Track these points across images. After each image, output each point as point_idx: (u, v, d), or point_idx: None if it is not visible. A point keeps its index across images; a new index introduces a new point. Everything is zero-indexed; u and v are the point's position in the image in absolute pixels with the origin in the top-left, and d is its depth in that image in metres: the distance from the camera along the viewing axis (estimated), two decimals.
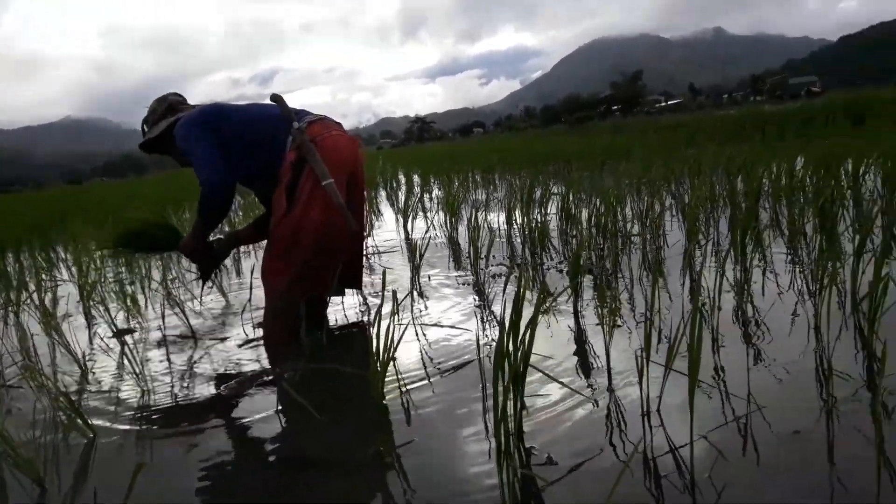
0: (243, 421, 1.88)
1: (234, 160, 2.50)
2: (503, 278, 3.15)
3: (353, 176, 2.62)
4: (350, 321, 2.81)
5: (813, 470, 1.29)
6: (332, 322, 2.79)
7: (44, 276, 4.47)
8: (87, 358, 2.61)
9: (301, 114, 2.63)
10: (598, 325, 2.27)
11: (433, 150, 23.76)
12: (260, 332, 2.71)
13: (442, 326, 2.54)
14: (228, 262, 4.73)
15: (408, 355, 2.26)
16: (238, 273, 4.32)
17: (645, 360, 1.59)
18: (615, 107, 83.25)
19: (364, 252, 2.96)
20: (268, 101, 2.67)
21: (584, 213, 4.20)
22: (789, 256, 2.99)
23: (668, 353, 1.55)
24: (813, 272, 2.47)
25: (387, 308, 2.53)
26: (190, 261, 2.82)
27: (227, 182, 2.47)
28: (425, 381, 1.99)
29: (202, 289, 3.32)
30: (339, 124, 2.69)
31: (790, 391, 1.64)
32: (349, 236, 2.61)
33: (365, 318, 2.81)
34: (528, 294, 2.79)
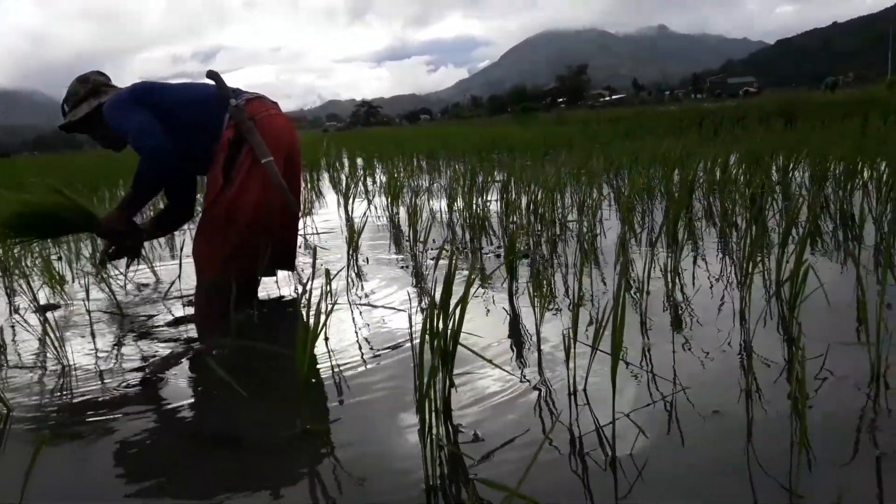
0: (167, 398, 1.82)
1: (170, 140, 2.41)
2: (441, 261, 3.15)
3: (289, 155, 2.59)
4: (283, 301, 2.76)
5: (731, 448, 1.32)
6: (263, 301, 2.74)
7: None
8: (6, 334, 2.50)
9: (237, 92, 2.57)
10: (531, 307, 2.28)
11: (379, 135, 23.60)
12: (189, 310, 2.65)
13: (377, 307, 2.52)
14: (162, 240, 4.60)
15: (342, 335, 2.23)
16: (171, 249, 4.20)
17: (572, 340, 1.60)
18: (560, 99, 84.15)
19: (299, 233, 2.91)
20: (204, 80, 2.60)
21: (525, 201, 4.23)
22: (720, 246, 3.07)
23: (595, 333, 1.56)
24: (741, 261, 2.54)
25: (319, 287, 2.49)
26: (109, 241, 2.67)
27: (169, 151, 2.39)
28: (359, 361, 1.97)
29: (126, 270, 3.20)
30: (275, 104, 2.66)
31: (714, 373, 1.68)
32: (288, 215, 2.59)
33: (299, 298, 2.77)
34: (462, 275, 2.80)
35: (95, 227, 2.54)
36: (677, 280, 2.47)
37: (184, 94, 2.57)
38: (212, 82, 2.58)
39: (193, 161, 2.57)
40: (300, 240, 3.91)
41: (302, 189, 2.83)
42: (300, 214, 2.88)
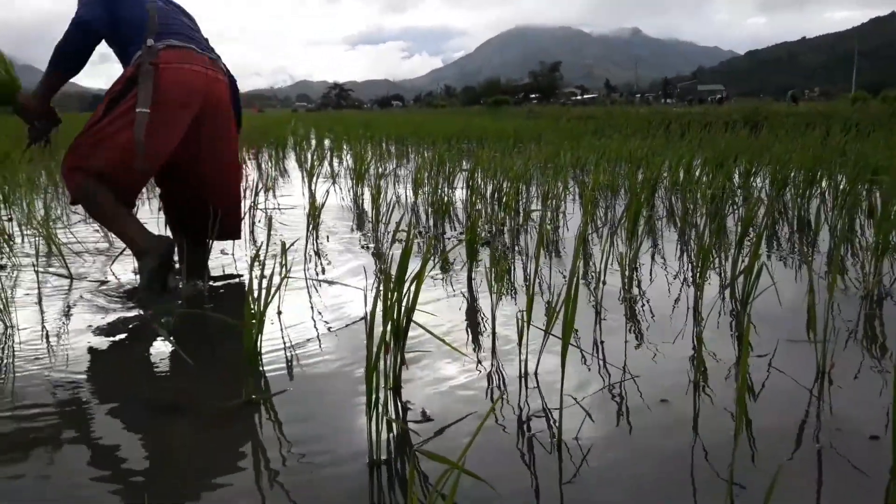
0: (112, 364, 1.78)
1: (104, 25, 2.38)
2: (402, 243, 3.12)
3: (202, 114, 2.45)
4: (236, 275, 2.72)
5: (677, 437, 1.33)
6: (215, 273, 2.69)
7: None
8: None
9: (166, 34, 2.41)
10: (489, 293, 2.28)
11: (349, 118, 23.36)
12: (140, 273, 2.57)
13: (334, 283, 2.49)
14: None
15: (296, 310, 2.19)
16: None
17: (526, 324, 1.60)
18: (533, 95, 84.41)
19: (240, 201, 2.80)
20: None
21: (490, 189, 4.22)
22: (679, 245, 3.10)
23: (549, 317, 1.56)
24: (697, 259, 2.57)
25: (274, 260, 2.45)
26: (25, 120, 2.54)
27: (95, 26, 2.35)
28: (312, 336, 1.94)
29: (25, 150, 3.08)
30: (213, 59, 2.53)
31: (664, 365, 1.69)
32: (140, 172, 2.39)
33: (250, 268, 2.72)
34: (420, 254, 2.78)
35: (13, 101, 2.49)
36: (634, 274, 2.49)
37: (134, 7, 2.44)
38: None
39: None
40: (261, 215, 3.85)
41: (240, 159, 2.67)
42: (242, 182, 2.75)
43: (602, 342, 1.85)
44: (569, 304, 1.32)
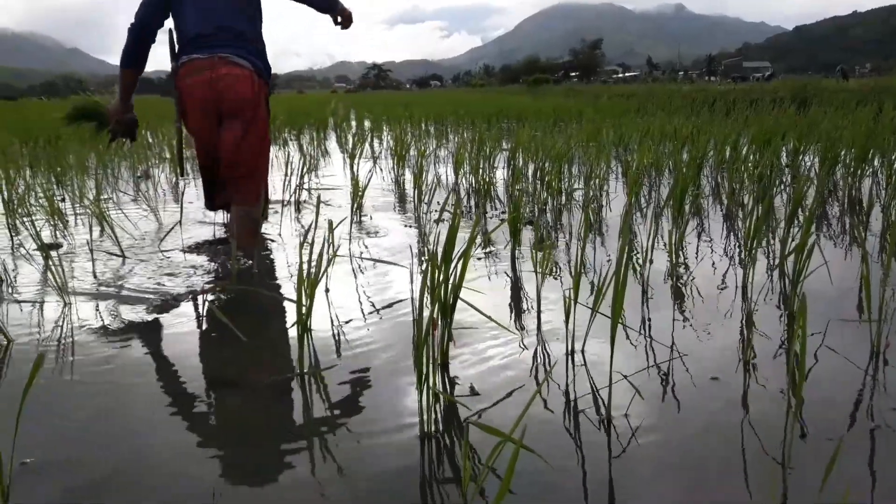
0: (166, 340, 1.83)
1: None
2: (446, 223, 3.13)
3: (218, 109, 2.77)
4: (284, 250, 2.76)
5: (726, 416, 1.32)
6: (266, 249, 2.74)
7: None
8: (7, 269, 2.50)
9: (202, 45, 2.75)
10: (533, 272, 2.28)
11: (388, 98, 23.39)
12: (192, 254, 2.68)
13: (379, 262, 2.51)
14: (165, 184, 4.61)
15: (343, 288, 2.23)
16: (175, 194, 4.18)
17: (573, 302, 1.60)
18: (573, 73, 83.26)
19: (250, 173, 2.85)
20: None
21: (531, 169, 4.20)
22: (726, 224, 3.05)
23: (595, 295, 1.56)
24: (746, 237, 2.53)
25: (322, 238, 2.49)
26: (113, 123, 3.05)
27: (149, 26, 2.81)
28: (358, 314, 1.97)
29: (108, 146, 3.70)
30: (223, 56, 2.75)
31: (713, 343, 1.68)
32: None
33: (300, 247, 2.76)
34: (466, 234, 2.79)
35: (107, 120, 3.11)
36: (681, 253, 2.46)
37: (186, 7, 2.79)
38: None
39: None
40: (306, 195, 3.90)
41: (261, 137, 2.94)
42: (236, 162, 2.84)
43: (649, 320, 1.84)
44: (619, 280, 1.32)
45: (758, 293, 2.01)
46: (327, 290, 2.14)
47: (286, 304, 2.11)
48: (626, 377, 1.46)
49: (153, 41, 2.87)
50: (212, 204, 3.03)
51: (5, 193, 3.60)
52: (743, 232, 2.72)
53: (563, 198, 3.57)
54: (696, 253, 2.57)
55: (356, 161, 4.78)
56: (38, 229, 2.86)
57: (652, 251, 2.34)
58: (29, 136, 7.30)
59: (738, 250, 2.58)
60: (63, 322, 1.94)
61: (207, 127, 2.80)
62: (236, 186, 2.83)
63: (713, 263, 2.41)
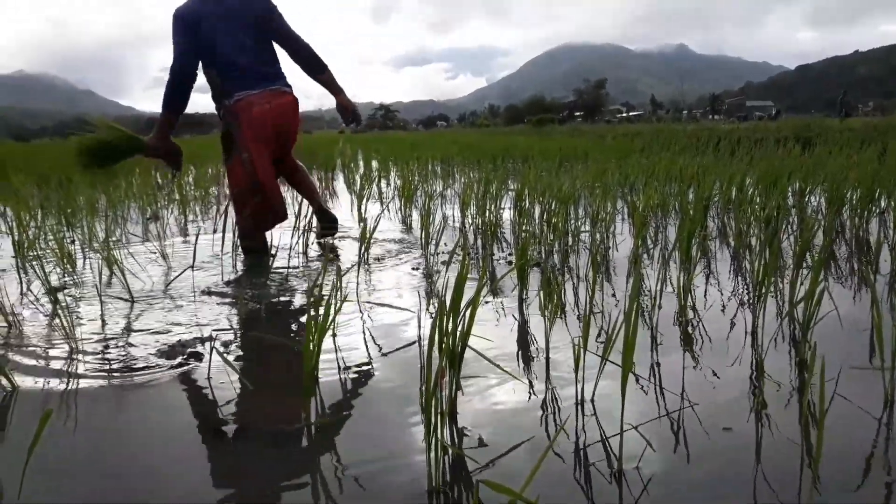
0: (172, 385, 1.82)
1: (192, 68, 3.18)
2: (453, 266, 3.14)
3: (277, 134, 3.34)
4: (291, 296, 2.76)
5: (739, 467, 1.30)
6: (273, 293, 2.74)
7: None
8: (15, 313, 2.50)
9: (236, 88, 3.20)
10: (541, 315, 2.27)
11: (395, 139, 23.61)
12: (201, 297, 2.68)
13: (387, 307, 2.51)
14: (174, 226, 4.63)
15: (350, 333, 2.22)
16: (184, 236, 4.21)
17: (582, 350, 1.59)
18: (577, 113, 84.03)
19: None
20: None
21: (538, 210, 4.21)
22: (733, 266, 3.05)
23: (606, 343, 1.55)
24: (754, 281, 2.52)
25: (330, 284, 2.49)
26: (157, 158, 3.33)
27: (189, 72, 3.13)
28: (366, 360, 1.96)
29: (174, 176, 3.96)
30: (282, 91, 3.33)
31: (723, 391, 1.66)
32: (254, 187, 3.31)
33: (308, 293, 2.77)
34: (473, 279, 2.79)
35: (143, 148, 3.23)
36: (689, 297, 2.45)
37: (222, 53, 3.16)
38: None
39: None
40: (313, 238, 3.92)
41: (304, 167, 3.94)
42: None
43: (659, 366, 1.82)
44: (629, 329, 1.31)
45: (768, 339, 2.00)
46: (334, 336, 2.14)
47: (294, 349, 2.10)
48: (636, 427, 1.44)
49: (193, 85, 3.23)
50: (266, 227, 3.47)
51: (16, 235, 3.63)
52: (751, 275, 2.71)
53: (570, 239, 3.57)
54: (705, 296, 2.56)
55: (363, 203, 4.80)
56: (46, 272, 2.89)
57: (661, 295, 2.33)
58: (41, 178, 7.39)
59: (746, 294, 2.57)
60: (69, 367, 1.93)
61: (270, 153, 3.31)
62: (304, 186, 3.72)
63: (722, 307, 2.40)
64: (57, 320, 2.33)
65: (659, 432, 1.45)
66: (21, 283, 3.00)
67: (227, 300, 2.67)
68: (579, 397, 1.60)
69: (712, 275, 2.89)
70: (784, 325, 2.12)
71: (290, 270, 3.15)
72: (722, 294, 2.58)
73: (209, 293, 2.78)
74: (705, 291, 2.62)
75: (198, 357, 2.01)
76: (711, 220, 4.17)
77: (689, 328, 2.17)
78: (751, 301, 2.42)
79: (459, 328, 1.48)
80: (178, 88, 3.15)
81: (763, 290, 2.17)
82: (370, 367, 1.91)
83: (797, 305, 2.02)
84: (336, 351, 2.03)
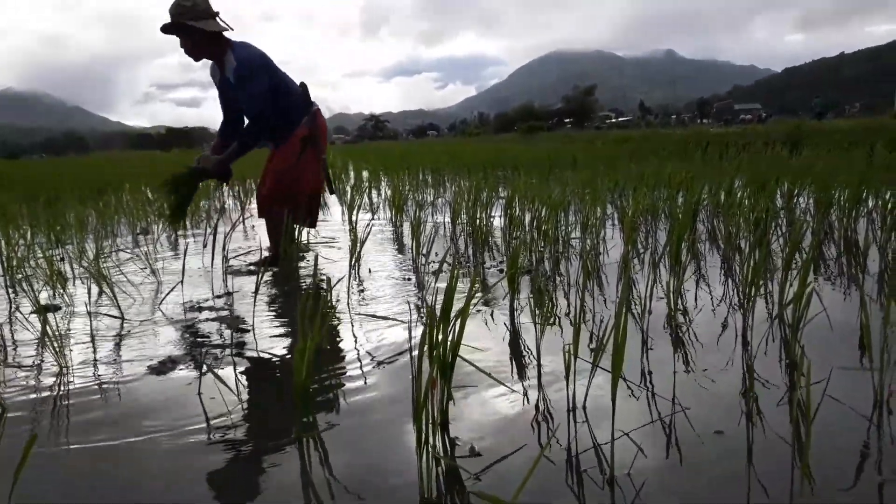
0: (162, 402, 1.81)
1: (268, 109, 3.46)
2: (443, 274, 3.13)
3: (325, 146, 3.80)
4: (281, 306, 2.75)
5: (731, 469, 1.30)
6: (262, 307, 2.73)
7: None
8: (4, 333, 2.49)
9: (310, 101, 3.68)
10: (532, 323, 2.27)
11: (386, 149, 23.64)
12: (191, 313, 2.66)
13: (377, 318, 2.50)
14: (165, 242, 4.61)
15: (341, 344, 2.22)
16: (174, 251, 4.19)
17: (573, 357, 1.59)
18: (567, 119, 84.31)
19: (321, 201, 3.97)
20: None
21: (528, 217, 4.22)
22: (723, 269, 3.06)
23: (596, 351, 1.55)
24: (743, 284, 2.53)
25: (320, 296, 2.48)
26: (216, 178, 3.62)
27: (266, 114, 3.42)
28: (357, 371, 1.96)
29: (224, 186, 4.17)
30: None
31: (714, 395, 1.67)
32: (319, 189, 3.84)
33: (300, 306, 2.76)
34: (463, 288, 2.79)
35: (208, 173, 3.55)
36: (679, 301, 2.46)
37: (286, 80, 3.57)
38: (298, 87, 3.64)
39: (271, 130, 3.60)
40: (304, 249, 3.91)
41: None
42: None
43: (650, 373, 1.82)
44: (618, 336, 1.31)
45: (758, 341, 2.00)
46: (326, 347, 2.13)
47: (284, 362, 2.09)
48: (627, 434, 1.44)
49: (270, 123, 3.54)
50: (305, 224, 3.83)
51: (5, 255, 3.61)
52: (741, 278, 2.72)
53: (560, 246, 3.58)
54: (695, 300, 2.56)
55: (354, 214, 4.80)
56: (36, 291, 2.87)
57: (651, 300, 2.33)
58: (29, 195, 7.36)
59: (736, 296, 2.58)
60: (59, 387, 1.92)
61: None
62: (318, 211, 3.93)
63: (712, 310, 2.41)
64: (46, 340, 2.31)
65: (651, 438, 1.45)
66: (10, 302, 2.98)
67: (217, 315, 2.66)
68: (571, 404, 1.60)
69: (702, 278, 2.90)
70: (774, 327, 2.13)
71: (280, 282, 3.14)
72: (712, 297, 2.59)
73: (199, 308, 2.77)
74: (696, 295, 2.63)
75: (188, 373, 2.00)
76: (701, 223, 4.18)
77: (680, 332, 2.17)
78: (741, 304, 2.43)
79: (450, 338, 1.48)
80: (261, 130, 3.48)
81: (753, 293, 2.18)
82: (361, 378, 1.90)
83: (787, 307, 2.03)
84: (327, 362, 2.02)
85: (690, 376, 1.79)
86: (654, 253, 3.45)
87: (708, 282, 2.84)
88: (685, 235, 2.89)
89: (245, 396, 1.74)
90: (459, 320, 1.49)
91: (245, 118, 3.57)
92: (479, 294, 2.72)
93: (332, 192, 4.15)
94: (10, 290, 3.18)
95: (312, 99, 3.72)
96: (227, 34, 3.38)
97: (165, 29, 3.29)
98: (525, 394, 1.72)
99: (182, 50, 3.37)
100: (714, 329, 2.19)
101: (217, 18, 3.33)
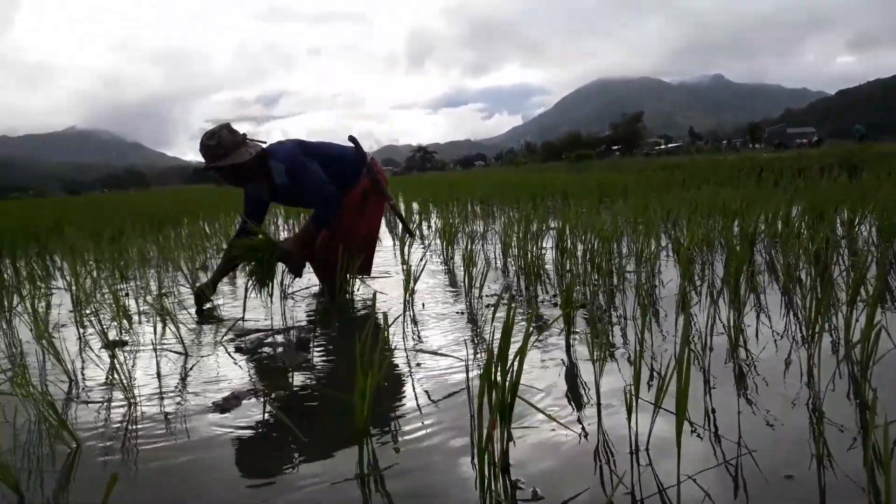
0: (227, 438, 1.85)
1: None
2: (498, 309, 3.13)
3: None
4: (339, 342, 2.79)
5: None
6: (322, 343, 2.77)
7: (39, 283, 4.43)
8: (76, 368, 2.58)
9: (363, 152, 3.80)
10: (589, 359, 2.25)
11: (434, 180, 23.85)
12: (251, 348, 2.73)
13: (433, 353, 2.52)
14: (224, 284, 4.73)
15: (397, 381, 2.23)
16: (234, 289, 4.29)
17: (634, 397, 1.57)
18: (615, 146, 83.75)
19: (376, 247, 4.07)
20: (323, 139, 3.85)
21: (580, 249, 4.20)
22: (784, 301, 2.99)
23: (658, 391, 1.53)
24: (807, 318, 2.47)
25: (378, 334, 2.51)
26: (289, 264, 3.62)
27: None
28: (414, 408, 1.97)
29: (291, 280, 3.98)
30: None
31: (782, 436, 1.62)
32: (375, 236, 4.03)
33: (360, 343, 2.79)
34: (519, 325, 2.78)
35: (281, 256, 3.49)
36: (740, 336, 2.41)
37: (331, 150, 3.72)
38: (350, 144, 3.82)
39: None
40: (359, 284, 3.97)
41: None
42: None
43: (713, 412, 1.79)
44: (681, 379, 1.30)
45: (825, 379, 1.95)
46: (384, 384, 2.15)
47: (344, 399, 2.11)
48: (692, 478, 1.42)
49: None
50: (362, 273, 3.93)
51: (73, 290, 3.75)
52: (803, 312, 2.65)
53: (615, 278, 3.55)
54: (756, 335, 2.50)
55: (406, 248, 4.84)
56: (104, 326, 2.97)
57: (711, 335, 2.29)
58: (93, 230, 7.64)
59: (799, 331, 2.51)
60: (128, 422, 1.98)
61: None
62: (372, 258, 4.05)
63: (775, 346, 2.35)
64: (115, 375, 2.39)
65: (717, 481, 1.42)
66: (80, 337, 3.09)
67: (277, 351, 2.71)
68: (633, 446, 1.58)
69: (762, 312, 2.84)
70: (841, 364, 2.06)
71: (338, 319, 3.19)
72: (773, 332, 2.53)
73: (260, 344, 2.83)
74: (756, 330, 2.57)
75: (251, 410, 2.04)
76: (758, 254, 4.10)
77: (742, 369, 2.12)
78: (805, 339, 2.37)
79: (508, 378, 1.48)
80: (334, 209, 3.53)
81: (817, 328, 2.12)
82: (420, 416, 1.91)
83: (855, 347, 1.97)
84: (386, 400, 2.04)
85: (755, 416, 1.75)
86: (712, 286, 3.39)
87: (769, 316, 2.77)
88: (743, 267, 2.83)
89: (307, 433, 1.76)
90: (518, 360, 1.49)
91: (313, 204, 3.61)
92: (534, 330, 2.71)
93: (411, 235, 4.34)
94: (80, 326, 3.29)
95: (361, 143, 3.82)
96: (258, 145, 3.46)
97: (206, 169, 3.41)
98: (585, 434, 1.70)
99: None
100: (777, 366, 2.14)
101: (246, 140, 3.41)
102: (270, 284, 3.51)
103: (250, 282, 3.51)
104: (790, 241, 3.91)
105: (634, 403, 1.57)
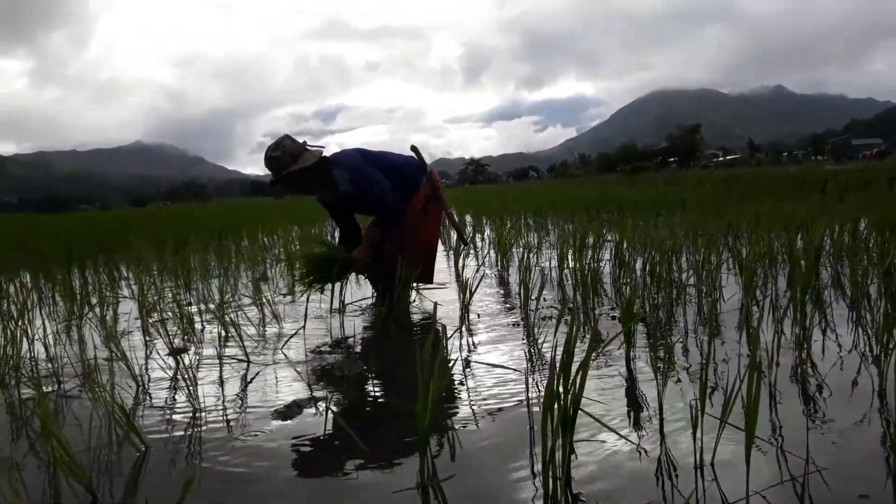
0: (289, 445, 1.89)
1: None
2: (553, 321, 3.12)
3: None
4: (398, 351, 2.82)
5: None
6: (381, 352, 2.81)
7: (106, 292, 4.60)
8: (143, 373, 2.67)
9: (424, 162, 3.92)
10: (650, 374, 2.23)
11: (487, 192, 23.88)
12: (312, 357, 2.78)
13: (490, 365, 2.52)
14: (283, 286, 4.82)
15: (456, 392, 2.25)
16: (292, 295, 4.38)
17: (700, 412, 1.55)
18: (672, 158, 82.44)
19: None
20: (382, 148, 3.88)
21: (639, 262, 4.15)
22: (852, 317, 2.90)
23: (724, 406, 1.51)
24: (877, 335, 2.39)
25: (437, 344, 2.53)
26: (356, 269, 3.80)
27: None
28: (471, 419, 1.98)
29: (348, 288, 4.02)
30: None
31: (852, 454, 1.58)
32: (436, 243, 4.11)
33: (420, 353, 2.82)
34: (575, 335, 2.77)
35: (352, 265, 3.70)
36: (806, 351, 2.35)
37: (393, 159, 3.81)
38: (412, 154, 3.93)
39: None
40: (415, 295, 4.01)
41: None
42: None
43: (780, 428, 1.75)
44: (750, 397, 1.28)
45: None
46: (442, 394, 2.17)
47: (405, 408, 2.14)
48: (760, 493, 1.39)
49: None
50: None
51: (139, 298, 3.89)
52: (871, 328, 2.57)
53: (675, 292, 3.49)
54: (822, 350, 2.44)
55: (461, 259, 4.88)
56: (170, 334, 3.07)
57: (778, 351, 2.24)
58: (157, 241, 7.88)
59: (868, 347, 2.43)
60: (194, 428, 2.04)
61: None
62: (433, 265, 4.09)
63: (842, 362, 2.29)
64: (180, 381, 2.47)
65: (785, 499, 1.38)
66: (146, 344, 3.20)
67: (337, 360, 2.76)
68: (698, 461, 1.55)
69: (829, 327, 2.76)
70: None
71: (397, 328, 3.22)
72: (841, 348, 2.46)
73: (319, 353, 2.88)
74: (823, 345, 2.50)
75: (312, 418, 2.08)
76: (823, 268, 3.98)
77: (809, 385, 2.07)
78: (874, 355, 2.29)
79: (571, 391, 1.48)
80: (398, 211, 3.66)
81: (887, 345, 2.05)
82: (476, 427, 1.92)
83: None
84: (444, 410, 2.05)
85: (824, 433, 1.70)
86: (774, 299, 3.31)
87: (835, 331, 2.70)
88: (810, 284, 2.76)
89: (367, 442, 1.78)
90: (581, 374, 1.49)
91: (377, 212, 3.76)
92: (594, 343, 2.69)
93: (465, 244, 4.41)
94: (146, 334, 3.41)
95: (421, 151, 3.93)
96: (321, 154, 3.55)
97: (274, 183, 3.51)
98: (647, 449, 1.68)
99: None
100: (845, 382, 2.08)
101: (307, 147, 3.51)
102: (330, 289, 3.70)
103: (305, 285, 3.64)
104: (858, 255, 3.79)
105: (700, 419, 1.55)
